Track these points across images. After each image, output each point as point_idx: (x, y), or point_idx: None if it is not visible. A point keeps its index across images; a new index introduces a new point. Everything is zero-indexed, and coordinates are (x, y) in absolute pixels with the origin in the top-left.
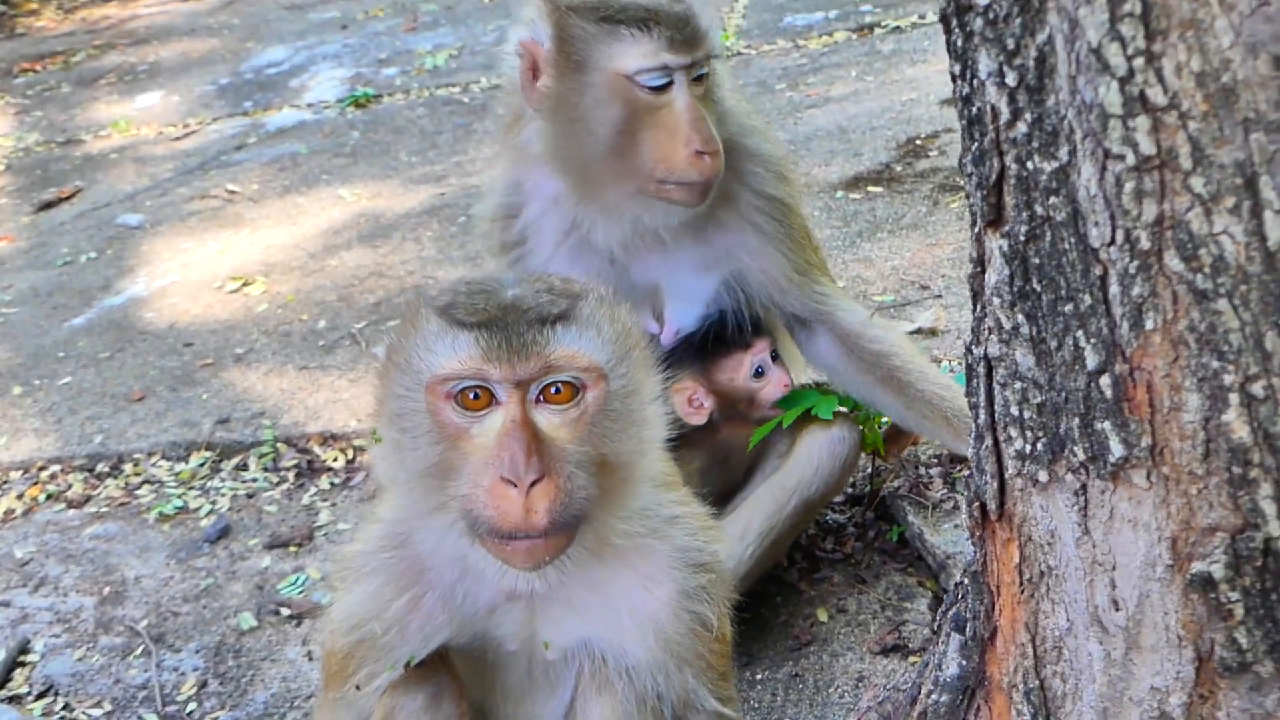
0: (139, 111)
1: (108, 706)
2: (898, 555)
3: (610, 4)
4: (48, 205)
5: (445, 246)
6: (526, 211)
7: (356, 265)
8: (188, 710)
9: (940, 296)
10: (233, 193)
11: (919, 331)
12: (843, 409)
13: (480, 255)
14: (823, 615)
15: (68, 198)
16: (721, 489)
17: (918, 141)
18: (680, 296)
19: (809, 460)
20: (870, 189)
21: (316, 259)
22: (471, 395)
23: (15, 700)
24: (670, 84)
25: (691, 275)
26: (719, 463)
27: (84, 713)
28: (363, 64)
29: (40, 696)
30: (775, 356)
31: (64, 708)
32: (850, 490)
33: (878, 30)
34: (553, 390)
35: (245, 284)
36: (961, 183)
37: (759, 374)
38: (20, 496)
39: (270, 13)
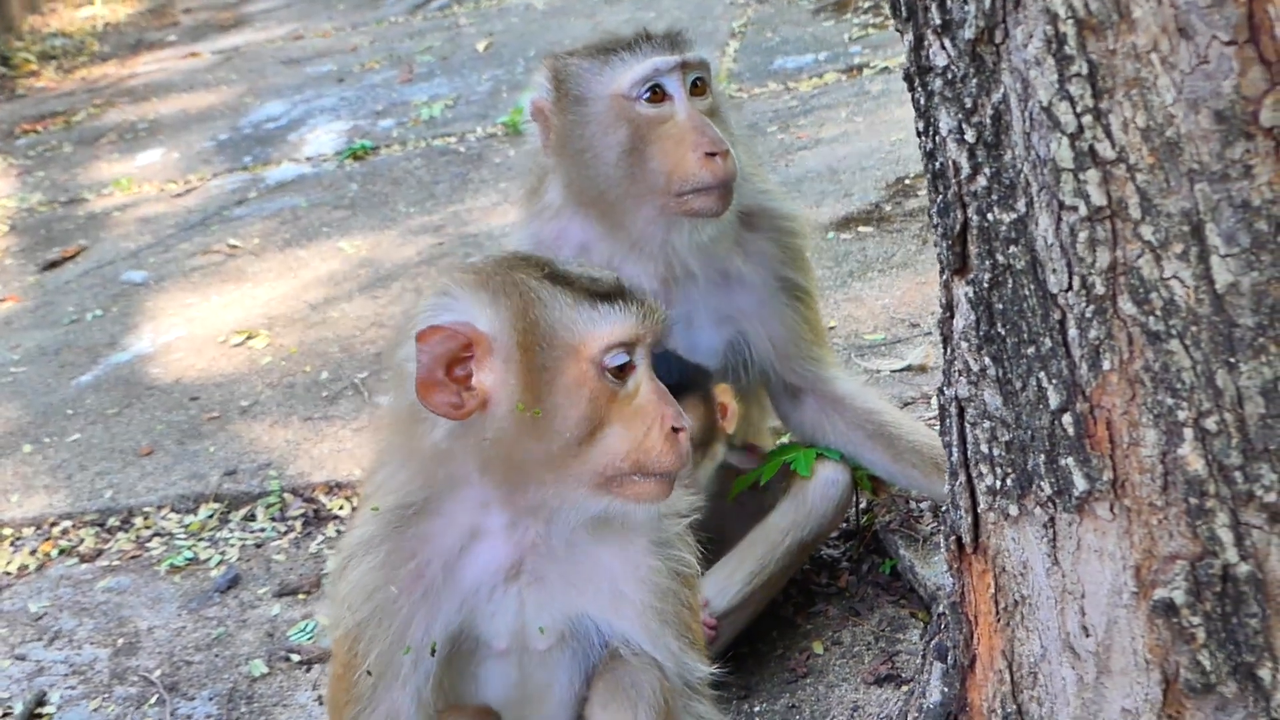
0: (140, 169)
1: None
2: (890, 588)
3: (601, 39)
4: (53, 264)
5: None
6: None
7: (357, 316)
8: None
9: (930, 334)
10: (234, 247)
11: (909, 369)
12: (827, 457)
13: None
14: (818, 648)
15: (72, 256)
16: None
17: (906, 181)
18: (691, 349)
19: (803, 502)
20: (860, 229)
21: (318, 310)
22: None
23: None
24: (668, 95)
25: (705, 329)
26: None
27: None
28: (359, 116)
29: None
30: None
31: None
32: (844, 525)
33: (866, 71)
34: None
35: (249, 337)
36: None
37: None
38: (34, 552)
39: (268, 67)
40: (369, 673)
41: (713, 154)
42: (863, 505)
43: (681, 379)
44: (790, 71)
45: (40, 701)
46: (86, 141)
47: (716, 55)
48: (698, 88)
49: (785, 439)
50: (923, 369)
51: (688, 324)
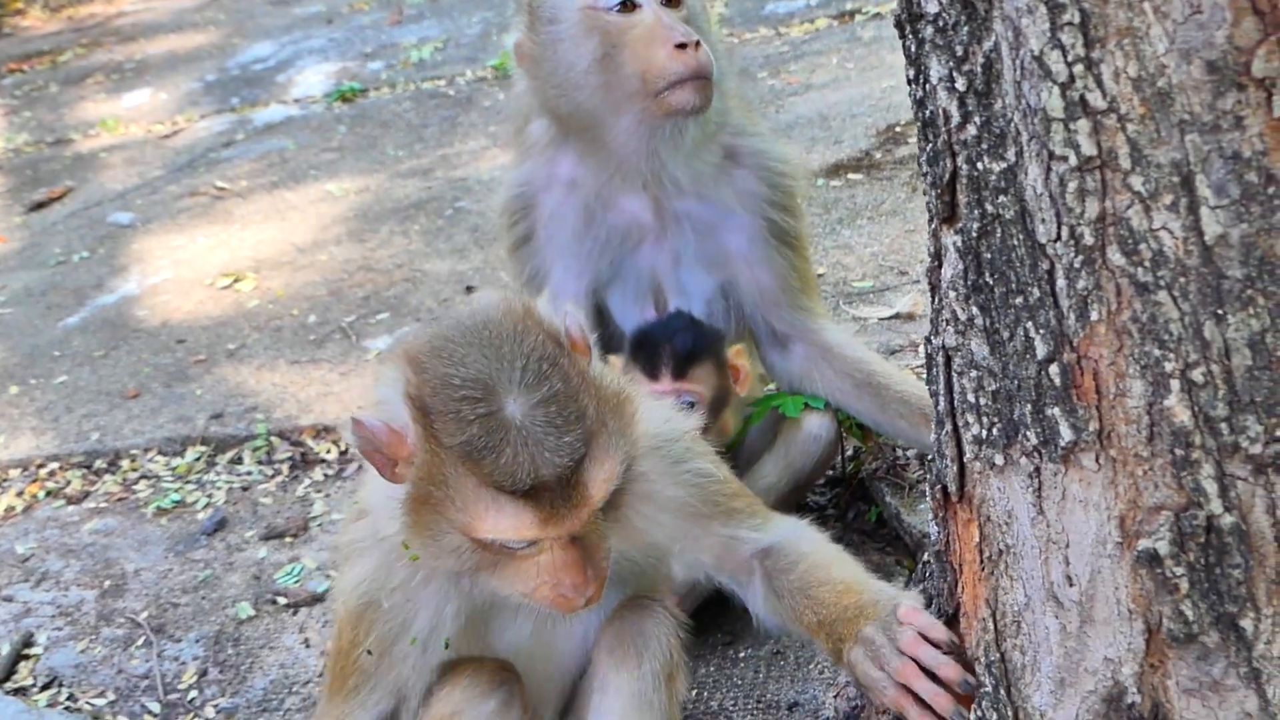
0: (127, 110)
1: (111, 696)
2: (876, 535)
3: None
4: (39, 205)
5: (432, 239)
6: (541, 203)
7: (345, 259)
8: (189, 698)
9: (918, 282)
10: (222, 189)
11: (896, 316)
12: (813, 408)
13: (468, 248)
14: None
15: (59, 197)
16: None
17: (897, 128)
18: (682, 291)
19: (787, 455)
20: (850, 176)
21: (306, 254)
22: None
23: (21, 692)
24: (637, 4)
25: (694, 271)
26: None
27: (88, 702)
28: (348, 58)
29: (45, 688)
30: (687, 405)
31: (68, 698)
32: (831, 472)
33: (858, 16)
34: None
35: (236, 280)
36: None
37: None
38: (20, 494)
39: (256, 8)
40: (369, 652)
41: (683, 45)
42: (849, 453)
43: (695, 345)
44: (781, 16)
45: (28, 642)
46: (73, 81)
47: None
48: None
49: (772, 386)
50: (910, 317)
51: (677, 261)
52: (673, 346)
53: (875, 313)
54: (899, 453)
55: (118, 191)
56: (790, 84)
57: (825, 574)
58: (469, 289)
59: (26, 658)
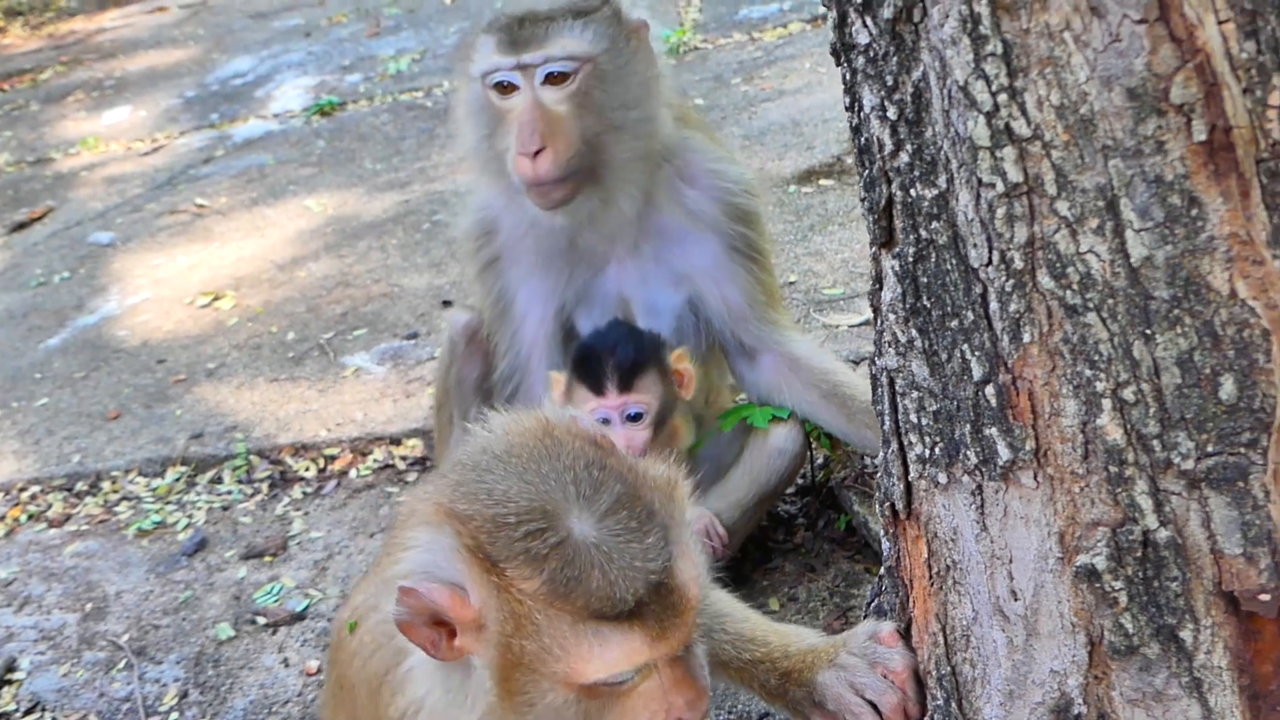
0: (107, 128)
1: (94, 719)
2: (845, 543)
3: (496, 16)
4: (20, 226)
5: (410, 254)
6: (504, 227)
7: (324, 275)
8: None
9: None
10: (201, 207)
11: (866, 323)
12: (780, 418)
13: (444, 261)
14: (774, 604)
15: (40, 218)
16: None
17: None
18: (650, 308)
19: (754, 467)
20: (822, 182)
21: (285, 270)
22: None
23: (4, 717)
24: (515, 87)
25: (660, 289)
26: None
27: None
28: (327, 71)
29: (28, 713)
30: (635, 417)
31: None
32: (801, 481)
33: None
34: None
35: (215, 298)
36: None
37: (601, 423)
38: (2, 518)
39: (235, 22)
40: None
41: (526, 154)
42: (819, 462)
43: (638, 356)
44: (755, 21)
45: (10, 667)
46: (54, 99)
47: (682, 5)
48: (555, 78)
49: (742, 396)
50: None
51: (643, 281)
52: (615, 359)
53: (845, 320)
54: (867, 461)
55: (98, 211)
56: (763, 89)
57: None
58: (445, 303)
59: (10, 683)
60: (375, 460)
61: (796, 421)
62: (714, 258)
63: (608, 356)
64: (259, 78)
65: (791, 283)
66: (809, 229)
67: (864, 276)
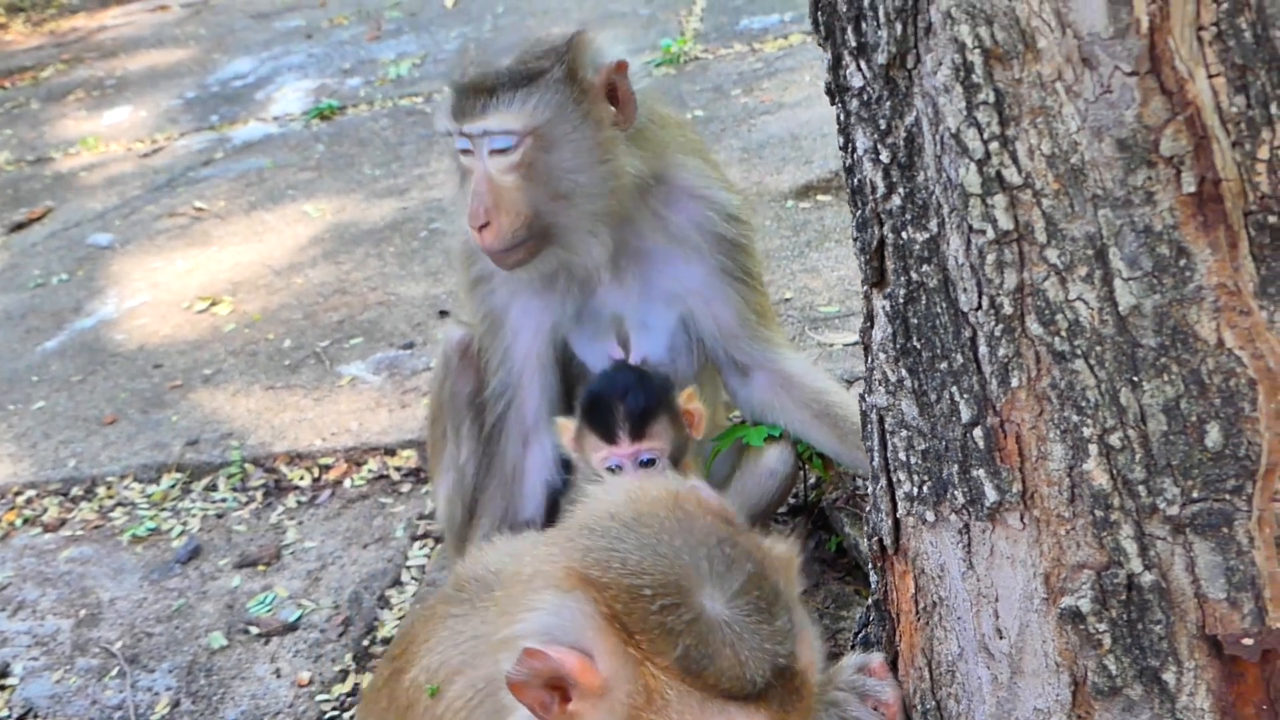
0: (108, 127)
1: None
2: (836, 564)
3: (469, 69)
4: (19, 226)
5: (407, 262)
6: None
7: (321, 282)
8: None
9: None
10: (200, 210)
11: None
12: (774, 438)
13: (441, 270)
14: None
15: (39, 218)
16: None
17: None
18: (643, 326)
19: (745, 489)
20: (820, 198)
21: (282, 276)
22: None
23: None
24: (470, 149)
25: (653, 307)
26: None
27: None
28: (327, 74)
29: None
30: (648, 463)
31: None
32: (793, 500)
33: None
34: None
35: (213, 303)
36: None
37: (613, 470)
38: None
39: (236, 22)
40: None
41: (474, 226)
42: (810, 482)
43: (648, 402)
44: (756, 32)
45: (4, 673)
46: (55, 98)
47: (683, 15)
48: (499, 150)
49: (736, 414)
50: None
51: (636, 298)
52: (626, 406)
53: (840, 338)
54: (859, 482)
55: (97, 212)
56: (763, 101)
57: None
58: (442, 313)
59: (3, 689)
60: (370, 470)
61: (789, 442)
62: (703, 280)
63: (618, 404)
64: (259, 79)
65: (787, 299)
66: (805, 245)
67: (859, 294)
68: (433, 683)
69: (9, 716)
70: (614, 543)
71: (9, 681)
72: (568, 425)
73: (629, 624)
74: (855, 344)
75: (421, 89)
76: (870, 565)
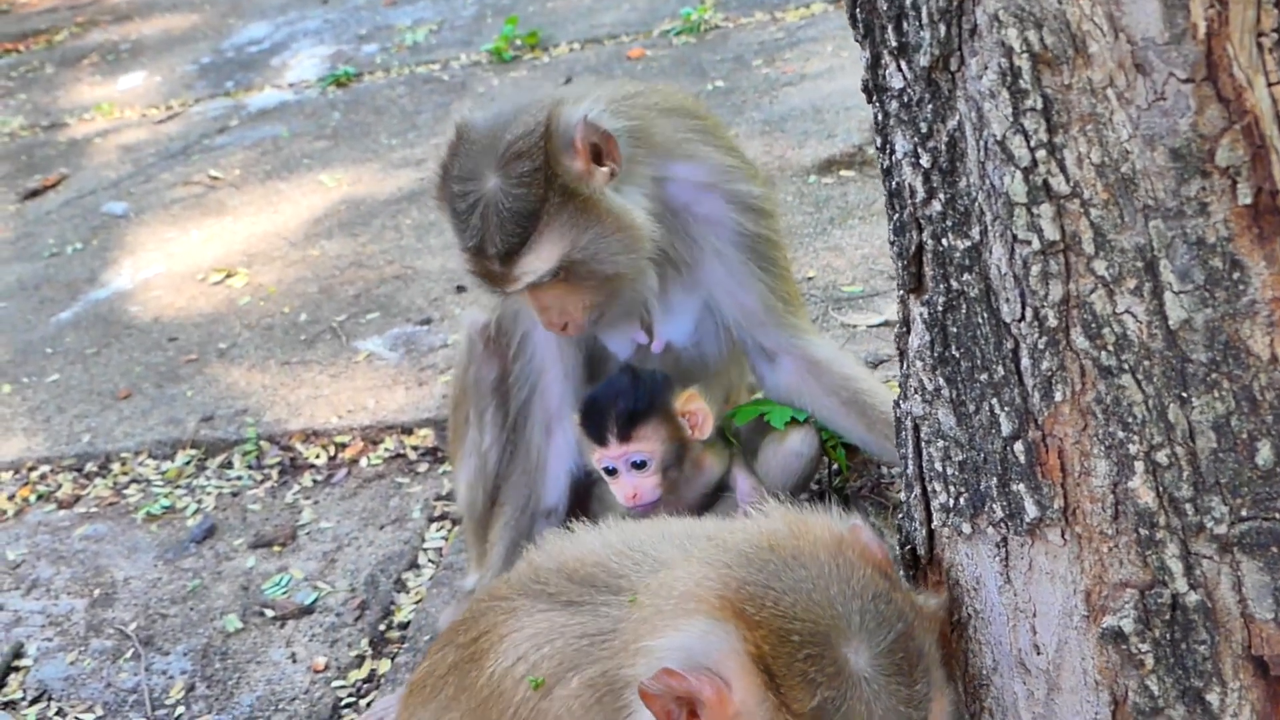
0: (122, 93)
1: (99, 711)
2: None
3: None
4: (33, 193)
5: (424, 234)
6: None
7: (337, 255)
8: (176, 714)
9: None
10: (215, 179)
11: (885, 324)
12: (797, 421)
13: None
14: None
15: (53, 185)
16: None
17: None
18: (667, 311)
19: (777, 458)
20: (843, 173)
21: (298, 248)
22: None
23: (10, 706)
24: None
25: (676, 294)
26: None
27: (76, 717)
28: (343, 40)
29: (34, 702)
30: (639, 464)
31: (57, 713)
32: (816, 486)
33: None
34: None
35: (228, 275)
36: None
37: (610, 471)
38: (11, 497)
39: None
40: None
41: (553, 329)
42: (834, 468)
43: (637, 406)
44: (778, 1)
45: (18, 653)
46: (69, 62)
47: None
48: (538, 284)
49: (759, 396)
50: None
51: (659, 288)
52: (615, 410)
53: (864, 319)
54: (884, 470)
55: (112, 180)
56: (785, 72)
57: None
58: (459, 288)
59: (16, 669)
60: (386, 449)
61: (812, 424)
62: (725, 269)
63: (609, 407)
64: (275, 45)
65: (810, 278)
66: (828, 222)
67: (885, 274)
68: (534, 675)
69: (23, 699)
70: (770, 579)
71: (23, 663)
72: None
73: (773, 666)
74: (880, 325)
75: (438, 56)
76: (901, 570)
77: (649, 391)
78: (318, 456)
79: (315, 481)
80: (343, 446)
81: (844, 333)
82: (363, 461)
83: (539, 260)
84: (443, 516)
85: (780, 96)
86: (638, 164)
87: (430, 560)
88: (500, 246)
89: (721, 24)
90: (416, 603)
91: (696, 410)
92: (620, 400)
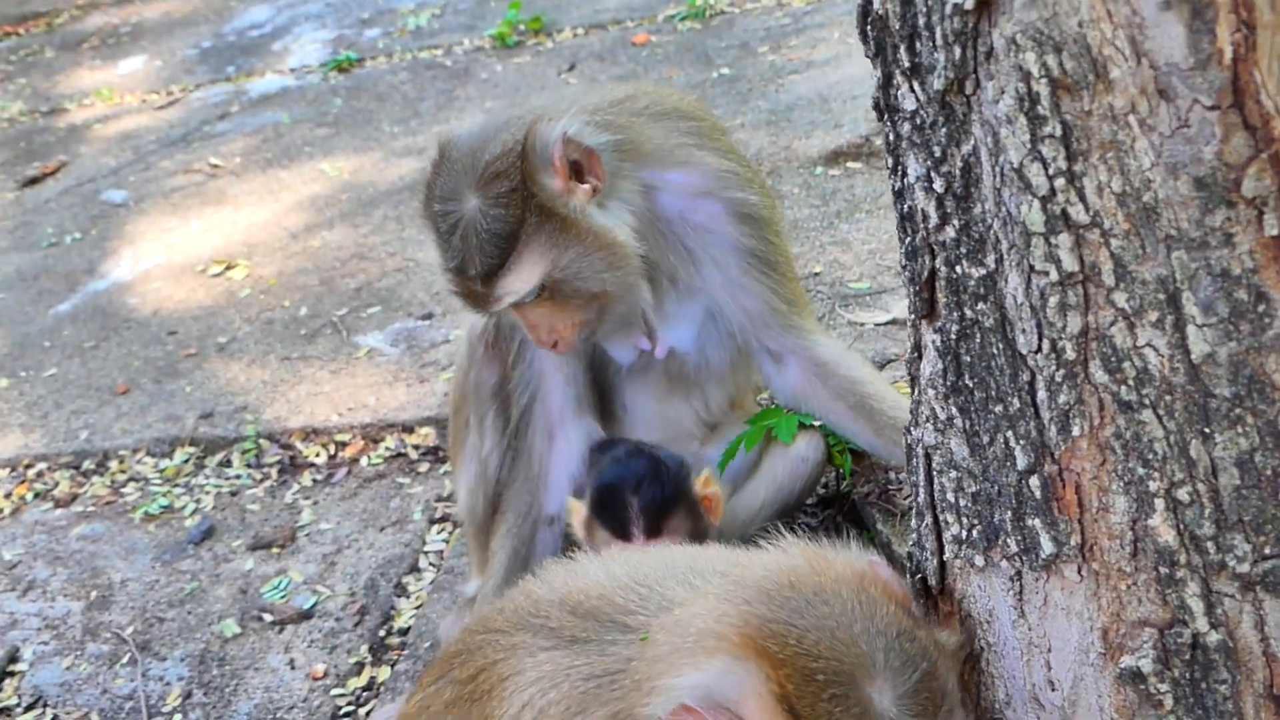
0: (122, 78)
1: (95, 718)
2: None
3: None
4: (32, 181)
5: (425, 226)
6: None
7: (338, 246)
8: None
9: None
10: (216, 167)
11: (893, 322)
12: (805, 426)
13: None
14: None
15: (52, 173)
16: None
17: None
18: (670, 317)
19: (783, 463)
20: (850, 164)
21: (298, 239)
22: None
23: (5, 712)
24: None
25: (678, 301)
26: None
27: None
28: (345, 24)
29: (29, 708)
30: None
31: None
32: (822, 491)
33: None
34: None
35: (228, 267)
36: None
37: None
38: (8, 495)
39: None
40: None
41: (544, 346)
42: (840, 474)
43: (664, 496)
44: None
45: (13, 657)
46: (69, 46)
47: None
48: (522, 303)
49: (764, 397)
50: (907, 322)
51: (661, 294)
52: (640, 502)
53: (872, 317)
54: (891, 476)
55: (111, 167)
56: (791, 60)
57: None
58: None
59: (12, 674)
60: (387, 448)
61: (819, 428)
62: (725, 276)
63: (631, 498)
64: (276, 29)
65: (816, 274)
66: (835, 215)
67: (892, 270)
68: None
69: (18, 706)
70: (793, 617)
71: (18, 667)
72: (578, 508)
73: (797, 706)
74: (888, 323)
75: (441, 41)
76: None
77: (672, 477)
78: (318, 455)
79: (315, 481)
80: (343, 445)
81: (851, 331)
82: (363, 460)
83: (519, 281)
84: (444, 518)
85: (786, 84)
86: (625, 176)
87: (431, 564)
88: (480, 267)
89: (727, 9)
90: (417, 608)
91: (713, 495)
92: (645, 490)
